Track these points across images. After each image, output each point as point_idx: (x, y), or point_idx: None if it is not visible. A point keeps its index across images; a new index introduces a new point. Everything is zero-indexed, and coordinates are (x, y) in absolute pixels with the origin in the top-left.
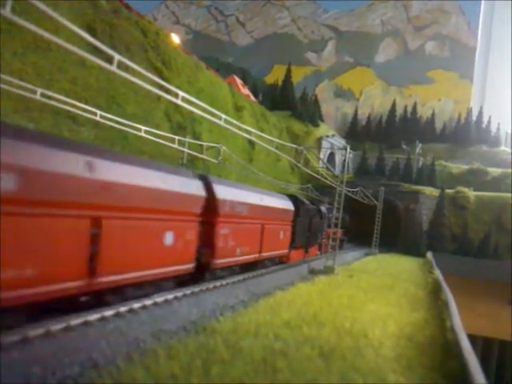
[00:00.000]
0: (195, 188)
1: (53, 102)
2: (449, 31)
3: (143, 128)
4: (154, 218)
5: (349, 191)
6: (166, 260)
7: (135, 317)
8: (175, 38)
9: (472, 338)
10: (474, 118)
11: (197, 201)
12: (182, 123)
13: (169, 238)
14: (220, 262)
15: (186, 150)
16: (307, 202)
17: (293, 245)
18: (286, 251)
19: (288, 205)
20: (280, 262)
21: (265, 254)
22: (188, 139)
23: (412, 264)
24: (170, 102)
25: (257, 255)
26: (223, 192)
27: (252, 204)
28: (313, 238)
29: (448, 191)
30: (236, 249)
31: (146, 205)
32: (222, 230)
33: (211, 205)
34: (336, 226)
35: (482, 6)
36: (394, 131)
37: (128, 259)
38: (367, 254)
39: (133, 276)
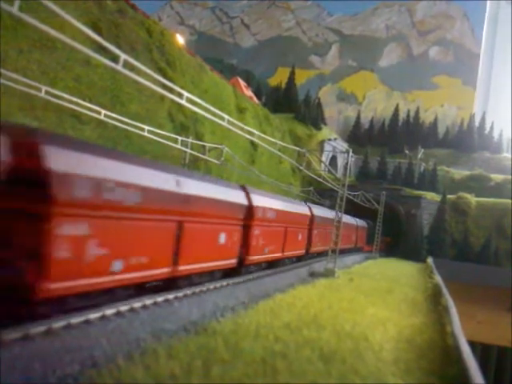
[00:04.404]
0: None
1: (57, 100)
2: (453, 37)
3: (146, 128)
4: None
5: (350, 195)
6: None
7: (136, 316)
8: (180, 39)
9: (471, 344)
10: (477, 124)
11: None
12: (185, 123)
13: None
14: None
15: (188, 150)
16: (370, 222)
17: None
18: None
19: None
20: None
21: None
22: (191, 140)
23: (412, 269)
24: (174, 102)
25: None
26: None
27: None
28: (371, 240)
29: (449, 196)
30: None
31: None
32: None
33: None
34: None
35: (487, 13)
36: (396, 136)
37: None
38: (367, 258)
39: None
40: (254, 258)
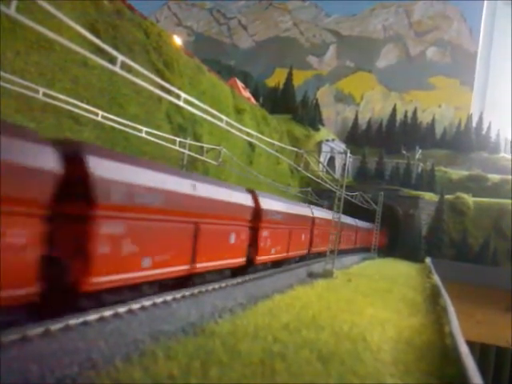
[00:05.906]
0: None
1: (55, 102)
2: (450, 37)
3: (144, 129)
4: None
5: (348, 195)
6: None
7: (134, 317)
8: (177, 40)
9: (470, 344)
10: (474, 125)
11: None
12: (182, 125)
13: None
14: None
15: (186, 151)
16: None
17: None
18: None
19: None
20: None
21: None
22: (189, 141)
23: (410, 269)
24: (172, 103)
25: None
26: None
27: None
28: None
29: (447, 197)
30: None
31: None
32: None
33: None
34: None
35: (484, 13)
36: (394, 136)
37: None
38: (365, 259)
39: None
40: (315, 249)
